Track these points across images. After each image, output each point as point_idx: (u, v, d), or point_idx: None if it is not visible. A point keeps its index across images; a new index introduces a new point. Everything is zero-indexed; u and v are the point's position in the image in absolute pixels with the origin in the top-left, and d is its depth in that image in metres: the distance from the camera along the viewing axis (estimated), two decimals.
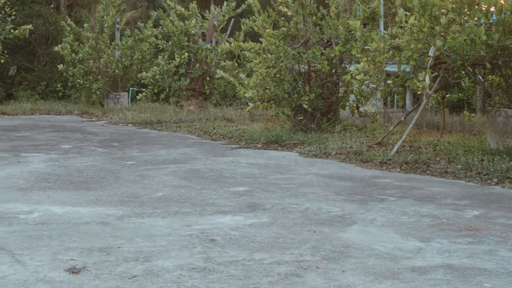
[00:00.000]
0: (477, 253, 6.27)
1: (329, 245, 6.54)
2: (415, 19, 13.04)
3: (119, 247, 6.29)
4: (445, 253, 6.30)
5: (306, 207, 8.50)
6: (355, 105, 17.20)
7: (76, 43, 29.16)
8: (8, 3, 29.27)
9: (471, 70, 13.92)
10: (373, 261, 5.99)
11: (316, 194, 9.45)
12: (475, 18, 12.77)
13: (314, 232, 7.11)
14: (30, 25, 29.10)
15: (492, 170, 11.10)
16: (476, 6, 12.72)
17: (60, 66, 28.97)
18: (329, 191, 9.72)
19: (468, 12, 12.93)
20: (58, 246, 6.30)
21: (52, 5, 38.47)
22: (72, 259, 5.87)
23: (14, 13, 29.15)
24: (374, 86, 14.80)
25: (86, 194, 9.17)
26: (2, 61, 28.89)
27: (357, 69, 14.03)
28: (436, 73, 14.19)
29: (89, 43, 28.65)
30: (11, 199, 8.77)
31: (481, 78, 14.55)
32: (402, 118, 15.69)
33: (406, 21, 13.27)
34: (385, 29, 17.82)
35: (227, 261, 5.89)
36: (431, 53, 13.06)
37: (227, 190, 9.67)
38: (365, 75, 14.11)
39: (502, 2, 12.61)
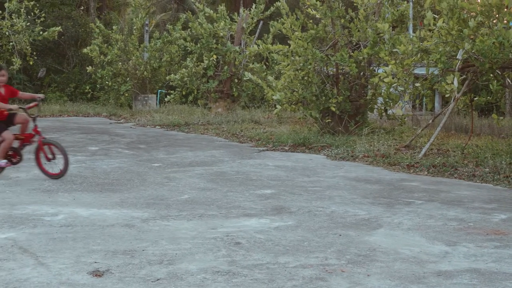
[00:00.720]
0: (504, 258, 6.21)
1: (354, 248, 6.50)
2: (443, 22, 12.95)
3: (143, 250, 6.29)
4: (472, 257, 6.24)
5: (332, 210, 8.47)
6: (383, 107, 17.13)
7: (105, 45, 29.28)
8: (38, 5, 29.42)
9: (499, 73, 13.81)
10: (399, 265, 5.95)
11: (343, 197, 9.41)
12: (504, 21, 12.66)
13: (340, 235, 7.07)
14: (59, 27, 29.26)
15: None
16: (505, 9, 12.61)
17: (89, 68, 29.13)
18: (356, 194, 9.67)
19: (497, 15, 12.82)
20: (82, 249, 6.31)
21: (82, 7, 38.72)
22: (95, 262, 5.87)
23: (43, 15, 29.31)
24: (402, 89, 14.73)
25: (111, 196, 9.20)
26: (31, 62, 29.09)
27: (385, 72, 13.96)
28: (464, 76, 14.09)
29: (118, 45, 28.75)
30: (37, 201, 8.81)
31: (510, 81, 14.44)
32: (430, 121, 15.60)
33: (435, 24, 13.19)
34: (414, 31, 17.74)
35: (252, 265, 5.87)
36: (459, 56, 12.97)
37: (253, 193, 9.65)
38: (393, 78, 14.05)
39: None
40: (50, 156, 10.66)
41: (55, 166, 10.64)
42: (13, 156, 10.78)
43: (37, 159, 10.74)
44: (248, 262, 5.96)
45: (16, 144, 10.73)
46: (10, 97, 10.83)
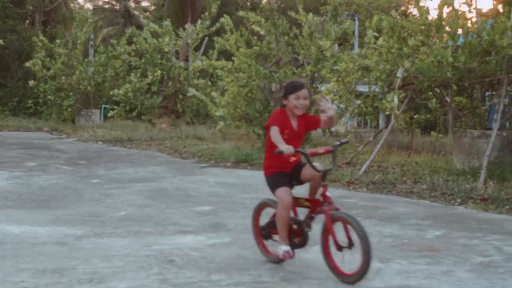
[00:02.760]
0: (435, 274, 6.23)
1: (289, 266, 6.48)
2: (384, 40, 13.07)
3: (74, 268, 6.18)
4: (404, 274, 6.25)
5: None
6: None
7: (48, 59, 29.01)
8: None
9: (438, 91, 13.96)
10: (332, 283, 5.93)
11: None
12: (443, 40, 12.81)
13: None
14: (1, 40, 28.91)
15: (456, 190, 11.15)
16: (444, 29, 12.77)
17: (31, 82, 28.84)
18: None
19: (436, 35, 12.97)
20: (10, 267, 6.17)
21: (27, 21, 38.35)
22: (23, 281, 5.74)
23: None
24: (344, 106, 14.80)
25: (46, 213, 9.04)
26: None
27: (327, 89, 14.03)
28: (404, 94, 14.21)
29: (61, 59, 28.52)
30: None
31: (448, 99, 14.61)
32: (371, 138, 15.70)
33: (375, 42, 13.31)
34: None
35: (183, 283, 5.80)
36: (399, 74, 13.08)
37: (191, 210, 9.59)
38: (335, 95, 14.12)
39: (469, 25, 12.67)
40: (343, 241, 6.04)
41: (350, 260, 6.00)
42: (296, 234, 6.46)
43: (325, 243, 6.23)
44: (180, 280, 5.89)
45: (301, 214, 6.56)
46: (308, 130, 6.87)
